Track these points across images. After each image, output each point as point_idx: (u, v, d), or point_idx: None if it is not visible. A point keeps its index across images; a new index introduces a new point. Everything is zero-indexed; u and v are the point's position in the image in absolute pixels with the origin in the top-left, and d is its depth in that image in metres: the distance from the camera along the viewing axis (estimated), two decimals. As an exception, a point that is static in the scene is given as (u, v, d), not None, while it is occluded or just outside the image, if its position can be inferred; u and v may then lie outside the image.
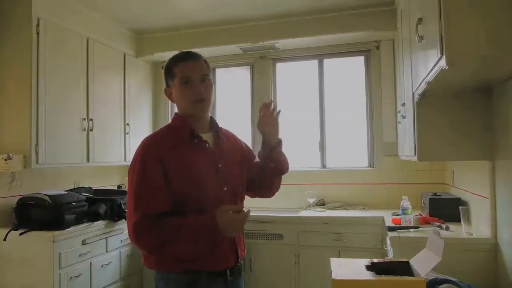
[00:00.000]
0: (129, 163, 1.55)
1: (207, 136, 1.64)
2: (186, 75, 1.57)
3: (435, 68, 1.58)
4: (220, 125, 1.72)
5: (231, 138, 1.77)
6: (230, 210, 1.48)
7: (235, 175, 1.67)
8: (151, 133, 1.75)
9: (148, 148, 1.54)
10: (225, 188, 1.60)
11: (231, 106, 4.39)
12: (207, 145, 1.62)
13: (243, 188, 1.72)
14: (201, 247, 1.46)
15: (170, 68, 1.62)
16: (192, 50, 4.38)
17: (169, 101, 4.40)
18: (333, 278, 1.36)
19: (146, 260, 1.58)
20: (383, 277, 1.37)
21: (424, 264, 1.42)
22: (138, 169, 1.49)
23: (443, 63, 1.43)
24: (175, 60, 1.63)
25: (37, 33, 2.94)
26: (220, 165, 1.61)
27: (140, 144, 1.57)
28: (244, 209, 1.51)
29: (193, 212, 1.49)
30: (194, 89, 1.57)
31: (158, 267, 1.55)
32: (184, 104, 1.61)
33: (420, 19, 1.84)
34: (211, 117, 1.71)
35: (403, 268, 1.49)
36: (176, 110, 1.70)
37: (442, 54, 1.43)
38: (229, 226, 1.44)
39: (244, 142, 1.84)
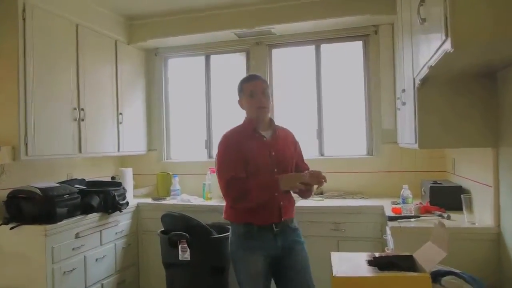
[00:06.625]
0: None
1: (266, 133, 2.33)
2: (251, 90, 2.29)
3: (439, 52, 1.51)
4: (277, 124, 2.41)
5: (283, 134, 2.41)
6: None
7: (285, 161, 2.31)
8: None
9: (228, 137, 2.30)
10: (276, 170, 2.24)
11: (226, 93, 4.28)
12: (264, 138, 2.31)
13: (291, 170, 2.34)
14: (265, 197, 2.15)
15: (240, 86, 2.36)
16: (186, 35, 4.27)
17: (164, 90, 4.40)
18: (333, 274, 1.30)
19: (225, 213, 2.31)
20: (386, 273, 1.31)
21: (429, 258, 1.36)
22: (223, 150, 2.25)
23: (448, 46, 1.35)
24: (243, 81, 2.37)
25: (24, 19, 2.82)
26: (273, 153, 2.27)
27: (222, 135, 2.31)
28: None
29: None
30: (257, 99, 2.27)
31: (232, 218, 2.26)
32: (251, 110, 2.30)
33: (422, 1, 1.75)
34: (270, 118, 2.39)
35: (407, 263, 1.42)
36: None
37: (447, 36, 1.35)
38: (286, 179, 2.14)
39: (297, 142, 2.48)
